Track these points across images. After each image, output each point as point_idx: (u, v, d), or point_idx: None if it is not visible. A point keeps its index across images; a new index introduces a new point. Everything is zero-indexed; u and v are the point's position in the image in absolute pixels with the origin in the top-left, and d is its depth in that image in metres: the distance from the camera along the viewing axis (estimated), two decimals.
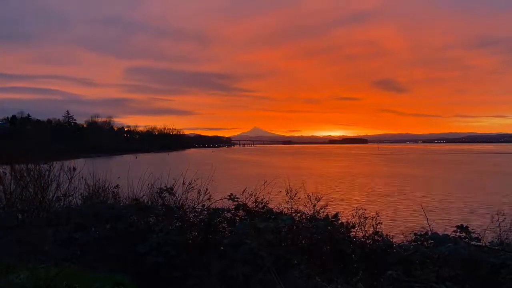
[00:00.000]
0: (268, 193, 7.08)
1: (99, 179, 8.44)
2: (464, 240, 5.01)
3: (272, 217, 6.18)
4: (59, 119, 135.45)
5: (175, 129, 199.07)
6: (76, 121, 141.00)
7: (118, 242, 5.96)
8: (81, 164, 9.92)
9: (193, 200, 7.10)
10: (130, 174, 8.55)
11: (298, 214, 6.47)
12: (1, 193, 8.16)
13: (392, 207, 20.31)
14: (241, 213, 6.52)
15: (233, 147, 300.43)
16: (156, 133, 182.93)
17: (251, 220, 6.06)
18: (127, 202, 7.54)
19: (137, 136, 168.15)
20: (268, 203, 6.69)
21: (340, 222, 5.99)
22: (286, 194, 6.85)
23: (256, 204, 6.63)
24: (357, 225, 5.96)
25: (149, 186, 7.58)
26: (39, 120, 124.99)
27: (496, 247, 4.93)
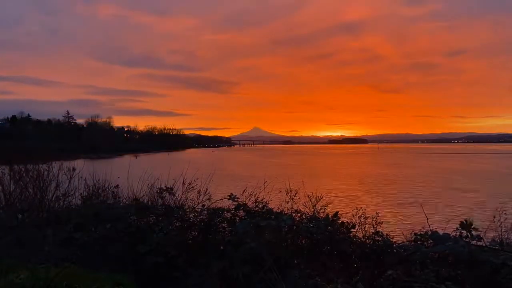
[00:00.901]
0: (268, 193, 7.07)
1: (98, 179, 8.42)
2: (465, 239, 4.99)
3: (273, 217, 6.17)
4: (59, 119, 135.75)
5: (175, 129, 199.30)
6: (76, 121, 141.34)
7: (118, 242, 5.95)
8: (80, 164, 9.89)
9: (193, 200, 7.09)
10: (130, 174, 8.54)
11: (298, 214, 6.46)
12: (0, 193, 8.16)
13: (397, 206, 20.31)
14: (241, 213, 6.51)
15: (233, 147, 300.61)
16: (156, 133, 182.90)
17: (251, 220, 6.05)
18: (127, 202, 7.52)
19: (137, 136, 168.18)
20: (268, 203, 6.68)
21: (340, 222, 5.99)
22: (286, 194, 6.84)
23: (256, 204, 6.62)
24: (357, 225, 5.96)
25: (149, 186, 7.56)
26: (39, 120, 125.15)
27: (496, 247, 4.91)
